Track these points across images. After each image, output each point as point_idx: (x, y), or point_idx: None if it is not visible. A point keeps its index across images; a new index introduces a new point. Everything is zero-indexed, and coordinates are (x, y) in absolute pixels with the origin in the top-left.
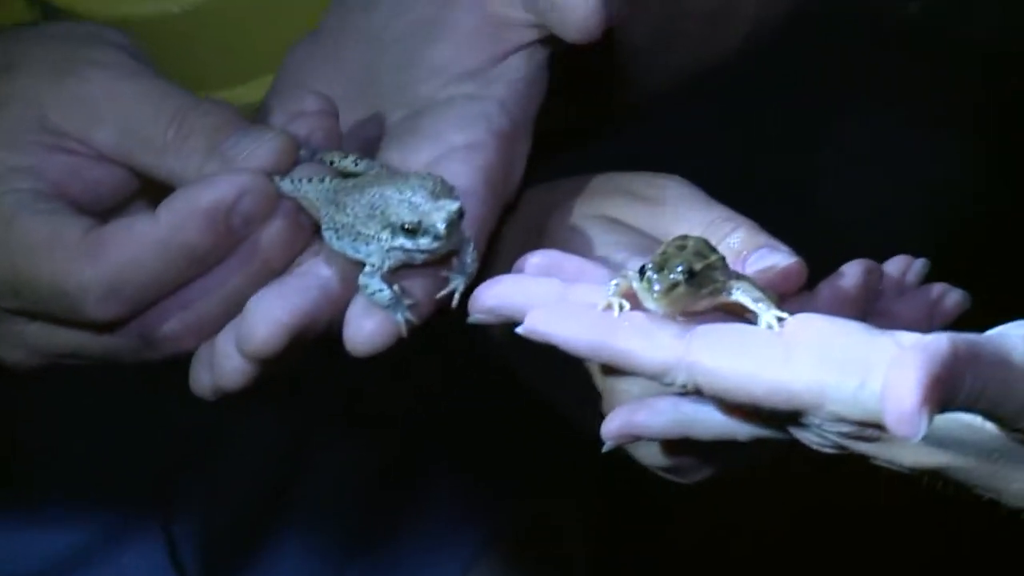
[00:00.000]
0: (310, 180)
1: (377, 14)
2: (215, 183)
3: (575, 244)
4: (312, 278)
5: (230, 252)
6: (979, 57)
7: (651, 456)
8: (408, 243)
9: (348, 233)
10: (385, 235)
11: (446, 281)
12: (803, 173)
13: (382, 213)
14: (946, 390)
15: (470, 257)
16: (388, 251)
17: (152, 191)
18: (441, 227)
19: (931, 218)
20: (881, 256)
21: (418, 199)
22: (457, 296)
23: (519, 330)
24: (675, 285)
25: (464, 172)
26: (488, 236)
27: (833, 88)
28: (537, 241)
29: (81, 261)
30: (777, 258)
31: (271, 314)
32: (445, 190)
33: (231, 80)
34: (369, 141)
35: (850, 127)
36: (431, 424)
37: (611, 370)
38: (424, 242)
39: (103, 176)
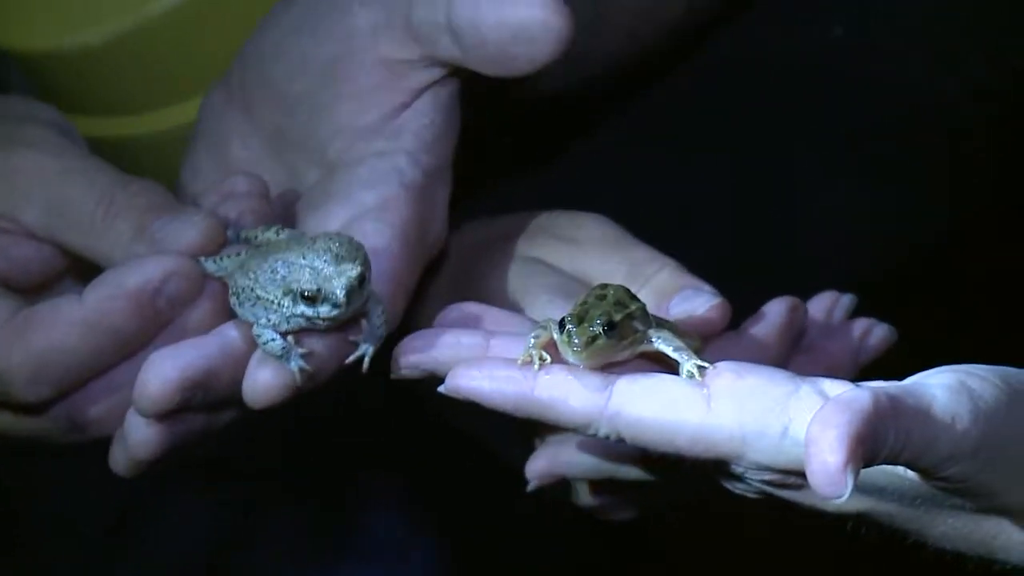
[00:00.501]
0: (233, 255)
1: (280, 67)
2: (141, 265)
3: (500, 287)
4: (214, 336)
5: (156, 334)
6: (907, 79)
7: (577, 495)
8: (308, 311)
9: (248, 298)
10: (286, 302)
11: (354, 345)
12: (741, 201)
13: (283, 279)
14: (869, 447)
15: (379, 320)
16: (288, 318)
17: (82, 268)
18: (340, 295)
19: (858, 250)
20: (819, 286)
21: (320, 264)
22: (367, 361)
23: (441, 389)
24: (595, 338)
25: (377, 231)
26: (407, 292)
27: (764, 114)
28: (464, 283)
29: (7, 345)
30: (701, 300)
31: (162, 369)
32: (351, 252)
33: (155, 103)
34: (288, 205)
35: (784, 151)
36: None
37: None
38: (324, 310)
39: (31, 254)
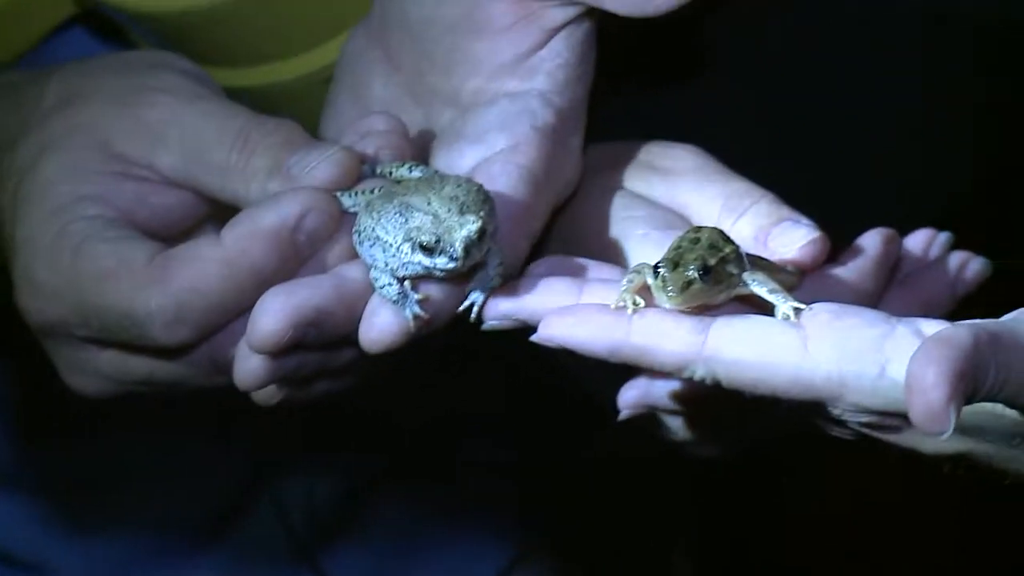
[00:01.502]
0: (368, 192)
1: (417, 8)
2: (278, 203)
3: (594, 220)
4: (331, 277)
5: (297, 271)
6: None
7: (670, 430)
8: (426, 260)
9: (368, 237)
10: (405, 248)
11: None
12: (820, 142)
13: (404, 223)
14: (970, 383)
15: (494, 270)
16: (406, 263)
17: (222, 215)
18: (459, 248)
19: (937, 187)
20: (905, 224)
21: (443, 212)
22: (475, 310)
23: (534, 338)
24: (690, 283)
25: (504, 172)
26: (531, 235)
27: (841, 58)
28: (557, 217)
29: (147, 287)
30: (800, 232)
31: (274, 306)
32: (476, 203)
33: (289, 50)
34: (425, 145)
35: (864, 97)
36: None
37: None
38: (441, 262)
39: (170, 201)
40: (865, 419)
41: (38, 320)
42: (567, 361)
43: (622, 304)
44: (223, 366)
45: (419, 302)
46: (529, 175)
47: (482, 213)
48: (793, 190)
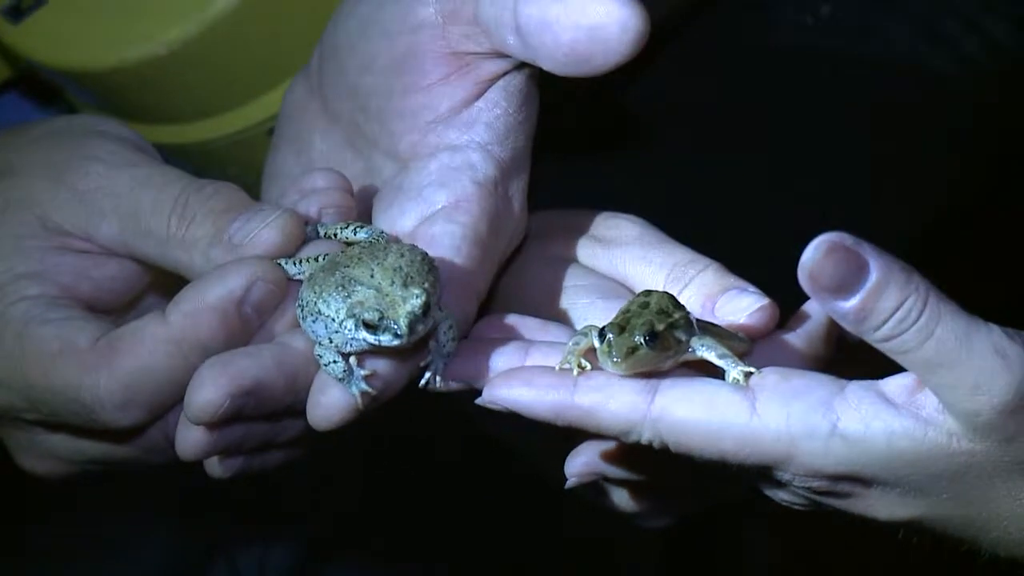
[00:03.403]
0: (315, 259)
1: (352, 60)
2: (223, 276)
3: (538, 290)
4: (271, 347)
5: (246, 343)
6: (892, 57)
7: (617, 501)
8: (370, 337)
9: (311, 312)
10: (348, 324)
11: (415, 361)
12: (759, 200)
13: (346, 299)
14: None
15: (445, 337)
16: (350, 340)
17: (166, 281)
18: (403, 325)
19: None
20: None
21: (386, 285)
22: (437, 380)
23: (479, 401)
24: (635, 349)
25: (447, 233)
26: (477, 294)
27: (757, 99)
28: (496, 284)
29: (94, 371)
30: (748, 300)
31: (211, 377)
32: (420, 273)
33: (222, 108)
34: (367, 200)
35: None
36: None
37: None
38: (385, 338)
39: (112, 272)
40: (816, 484)
41: None
42: (506, 432)
43: (567, 366)
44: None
45: (366, 378)
46: (473, 234)
47: (426, 284)
48: (732, 253)
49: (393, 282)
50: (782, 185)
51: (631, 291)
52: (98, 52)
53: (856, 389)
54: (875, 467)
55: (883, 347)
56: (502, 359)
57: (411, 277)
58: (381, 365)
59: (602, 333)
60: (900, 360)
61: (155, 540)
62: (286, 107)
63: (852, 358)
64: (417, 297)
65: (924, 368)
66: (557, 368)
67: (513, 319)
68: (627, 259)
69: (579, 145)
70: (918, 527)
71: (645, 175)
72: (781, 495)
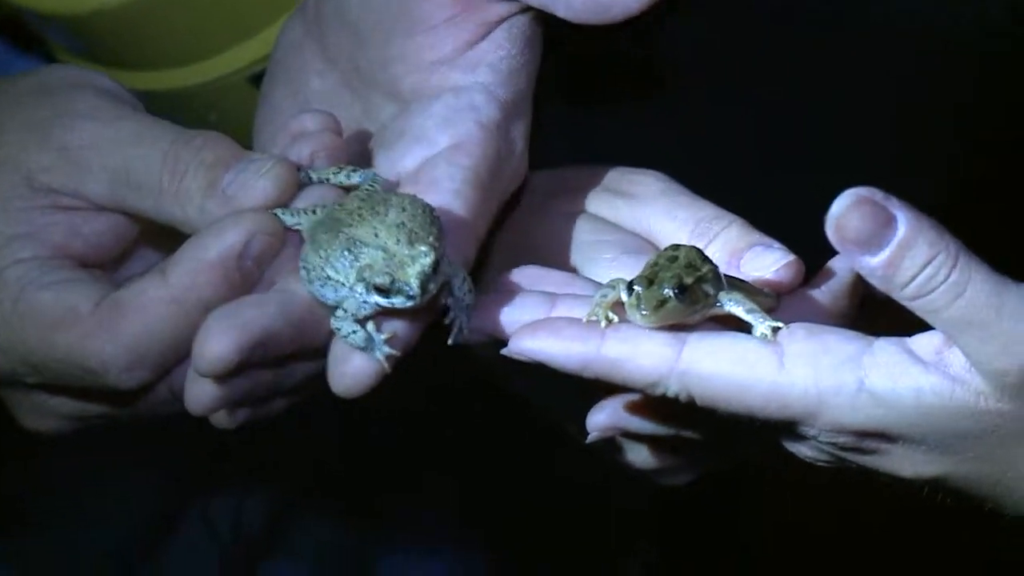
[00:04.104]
0: (311, 211)
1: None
2: (221, 231)
3: (559, 244)
4: (276, 294)
5: (246, 293)
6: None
7: (637, 457)
8: (383, 300)
9: (319, 276)
10: (359, 288)
11: (428, 314)
12: (782, 158)
13: (354, 262)
14: None
15: (461, 291)
16: (363, 303)
17: (155, 232)
18: (415, 286)
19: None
20: None
21: (392, 245)
22: (465, 332)
23: (505, 351)
24: (664, 301)
25: (449, 175)
26: (478, 237)
27: (781, 61)
28: (520, 239)
29: (99, 336)
30: (773, 256)
31: (219, 330)
32: (424, 227)
33: (209, 50)
34: (362, 143)
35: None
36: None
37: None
38: (398, 300)
39: (103, 227)
40: (842, 439)
41: None
42: (520, 382)
43: (594, 319)
44: (181, 394)
45: (387, 341)
46: (475, 177)
47: (431, 239)
48: (757, 210)
49: (399, 240)
50: (806, 143)
51: (655, 247)
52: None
53: (884, 346)
54: (902, 424)
55: (912, 305)
56: (527, 311)
57: (415, 233)
58: (399, 326)
59: (630, 286)
60: (929, 319)
61: (125, 492)
62: (280, 48)
63: (878, 316)
64: (425, 255)
65: (953, 327)
66: (584, 320)
67: (537, 271)
68: (651, 214)
69: (595, 95)
70: (942, 485)
71: (664, 126)
72: (804, 451)
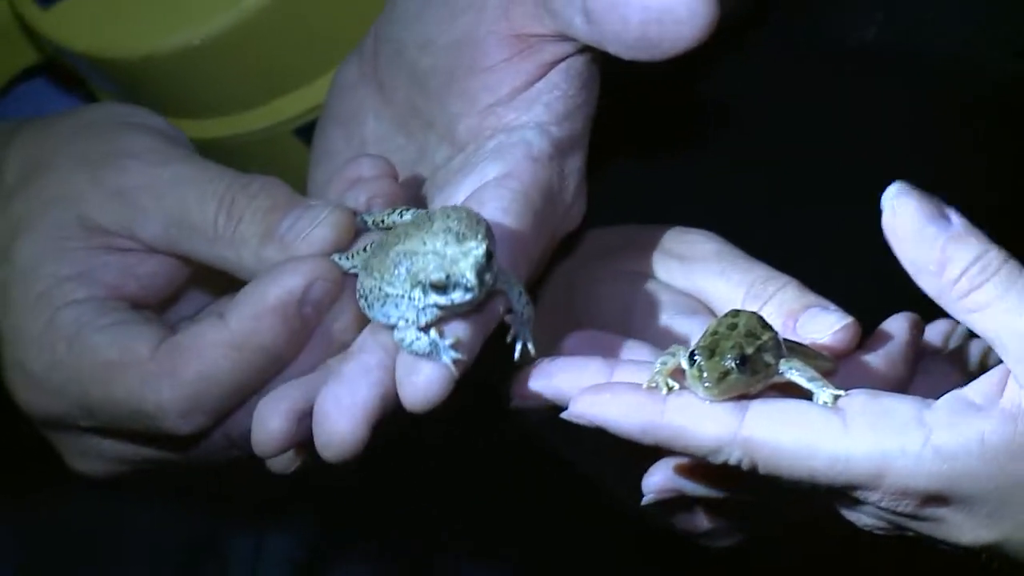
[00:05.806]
0: (365, 251)
1: (412, 41)
2: (281, 276)
3: (609, 304)
4: (368, 357)
5: (305, 342)
6: (943, 72)
7: (688, 519)
8: (441, 299)
9: (377, 298)
10: (416, 294)
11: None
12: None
13: (408, 270)
14: None
15: (520, 304)
16: (423, 309)
17: (208, 274)
18: (471, 277)
19: None
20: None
21: (442, 247)
22: (531, 346)
23: (565, 415)
24: (727, 373)
25: (497, 196)
26: (530, 259)
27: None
28: (569, 299)
29: (157, 379)
30: (830, 318)
31: (272, 416)
32: (471, 227)
33: (246, 104)
34: (417, 188)
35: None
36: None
37: None
38: (457, 295)
39: (156, 269)
40: (902, 506)
41: (39, 414)
42: (570, 449)
43: (655, 385)
44: (238, 440)
45: (452, 346)
46: (524, 198)
47: (479, 235)
48: (801, 268)
49: (447, 242)
50: (849, 194)
51: (708, 308)
52: (130, 40)
53: (943, 402)
54: (966, 479)
55: (961, 306)
56: (588, 375)
57: (463, 234)
58: (461, 330)
59: (692, 357)
60: (978, 324)
61: (149, 531)
62: (336, 88)
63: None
64: (477, 247)
65: (1003, 330)
66: (644, 386)
67: (594, 335)
68: (705, 275)
69: (643, 143)
70: (1000, 551)
71: (705, 177)
72: (863, 518)
